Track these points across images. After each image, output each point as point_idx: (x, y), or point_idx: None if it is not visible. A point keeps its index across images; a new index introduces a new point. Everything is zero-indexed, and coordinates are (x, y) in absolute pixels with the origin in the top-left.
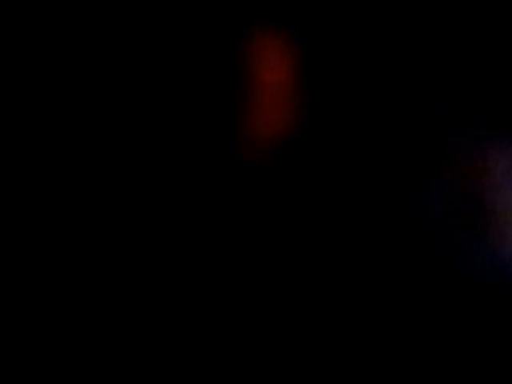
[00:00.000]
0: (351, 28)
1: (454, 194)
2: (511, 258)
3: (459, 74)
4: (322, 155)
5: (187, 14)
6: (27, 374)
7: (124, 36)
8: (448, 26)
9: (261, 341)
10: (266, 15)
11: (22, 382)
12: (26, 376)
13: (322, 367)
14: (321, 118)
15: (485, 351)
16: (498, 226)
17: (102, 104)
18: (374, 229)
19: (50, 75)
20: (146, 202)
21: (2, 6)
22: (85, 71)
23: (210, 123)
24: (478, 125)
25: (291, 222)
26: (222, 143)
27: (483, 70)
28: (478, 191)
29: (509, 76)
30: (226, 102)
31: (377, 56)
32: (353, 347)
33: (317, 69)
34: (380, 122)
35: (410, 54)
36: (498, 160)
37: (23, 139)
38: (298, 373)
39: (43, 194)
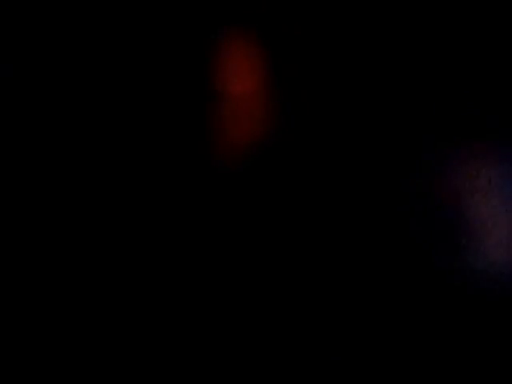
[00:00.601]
0: (323, 37)
1: (437, 204)
2: (492, 268)
3: (438, 85)
4: (295, 165)
5: (161, 26)
6: (27, 374)
7: (100, 50)
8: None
9: (258, 341)
10: (238, 27)
11: (22, 382)
12: (26, 376)
13: (321, 367)
14: (294, 127)
15: (464, 352)
16: (480, 236)
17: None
18: (354, 239)
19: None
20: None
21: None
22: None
23: (183, 133)
24: (462, 135)
25: (262, 232)
26: (195, 152)
27: (468, 83)
28: (460, 201)
29: (490, 91)
30: (199, 113)
31: (350, 66)
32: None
33: (289, 78)
34: (355, 131)
35: (386, 73)
36: (481, 171)
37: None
38: (298, 373)
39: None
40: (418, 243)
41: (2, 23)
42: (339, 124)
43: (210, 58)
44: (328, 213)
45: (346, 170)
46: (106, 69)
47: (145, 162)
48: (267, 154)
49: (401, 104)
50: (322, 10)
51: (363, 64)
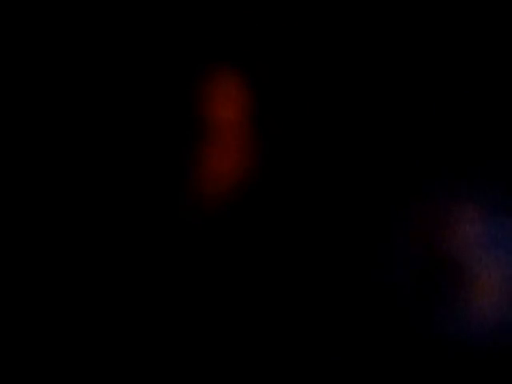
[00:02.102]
0: (306, 66)
1: (418, 254)
2: (476, 319)
3: (424, 127)
4: (278, 197)
5: (143, 52)
6: (27, 374)
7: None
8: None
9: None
10: (221, 54)
11: (22, 382)
12: (26, 376)
13: (321, 367)
14: (276, 157)
15: None
16: (463, 285)
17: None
18: (335, 287)
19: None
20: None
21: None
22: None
23: (164, 161)
24: (444, 183)
25: (247, 264)
26: (176, 182)
27: (451, 128)
28: (444, 251)
29: (476, 135)
30: (181, 141)
31: (330, 98)
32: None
33: (272, 107)
34: (338, 166)
35: (366, 105)
36: (464, 220)
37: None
38: (298, 373)
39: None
40: (404, 301)
41: None
42: (324, 158)
43: (195, 87)
44: (309, 250)
45: (330, 209)
46: (90, 91)
47: (125, 189)
48: (251, 184)
49: (391, 147)
50: (310, 43)
51: (350, 98)
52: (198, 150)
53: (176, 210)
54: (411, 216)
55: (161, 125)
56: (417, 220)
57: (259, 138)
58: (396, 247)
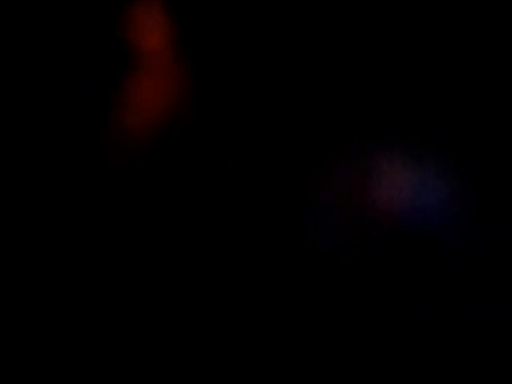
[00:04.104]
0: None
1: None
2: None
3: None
4: (206, 128)
5: None
6: (27, 374)
7: None
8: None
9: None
10: None
11: (22, 382)
12: (25, 376)
13: (319, 367)
14: (203, 87)
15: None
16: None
17: None
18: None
19: None
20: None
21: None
22: None
23: (88, 94)
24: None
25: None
26: (98, 116)
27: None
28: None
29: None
30: (103, 74)
31: (260, 32)
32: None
33: (198, 38)
34: (263, 104)
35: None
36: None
37: None
38: (297, 373)
39: None
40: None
41: None
42: (254, 100)
43: (118, 13)
44: (230, 209)
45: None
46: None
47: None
48: (178, 114)
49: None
50: None
51: (285, 45)
52: (123, 78)
53: (100, 143)
54: (334, 169)
55: (84, 53)
56: (341, 173)
57: (185, 67)
58: (321, 201)
